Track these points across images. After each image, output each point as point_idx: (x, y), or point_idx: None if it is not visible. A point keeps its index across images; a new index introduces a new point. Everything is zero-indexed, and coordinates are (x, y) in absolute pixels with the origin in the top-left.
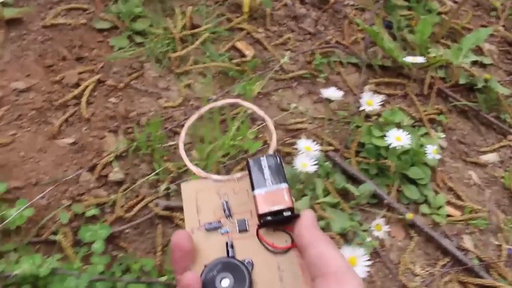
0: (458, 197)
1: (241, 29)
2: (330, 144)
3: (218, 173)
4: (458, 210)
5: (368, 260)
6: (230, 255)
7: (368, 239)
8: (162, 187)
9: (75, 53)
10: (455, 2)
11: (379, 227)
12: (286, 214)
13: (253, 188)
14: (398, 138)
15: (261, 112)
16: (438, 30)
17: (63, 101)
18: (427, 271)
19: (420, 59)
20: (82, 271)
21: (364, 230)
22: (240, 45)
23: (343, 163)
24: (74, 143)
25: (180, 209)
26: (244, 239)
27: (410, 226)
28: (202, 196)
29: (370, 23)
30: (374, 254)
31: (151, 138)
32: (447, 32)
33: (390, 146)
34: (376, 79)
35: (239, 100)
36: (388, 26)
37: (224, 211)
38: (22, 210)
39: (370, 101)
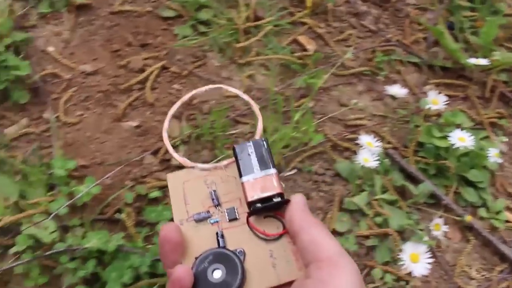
0: None
1: (303, 23)
2: (389, 142)
3: (279, 164)
4: None
5: (430, 257)
6: (221, 245)
7: (425, 238)
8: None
9: (140, 39)
10: None
11: (438, 227)
12: (276, 200)
13: (240, 175)
14: (461, 139)
15: (245, 96)
16: (502, 32)
17: (128, 85)
18: (483, 275)
19: (483, 61)
20: (145, 250)
21: (421, 230)
22: (301, 39)
23: (402, 161)
24: (138, 126)
25: None
26: (235, 227)
27: (468, 228)
28: (189, 186)
29: (432, 23)
30: (430, 254)
31: (214, 125)
32: (510, 35)
33: (453, 147)
34: (437, 79)
35: (222, 85)
36: (450, 27)
37: (213, 200)
38: (91, 188)
39: (436, 100)
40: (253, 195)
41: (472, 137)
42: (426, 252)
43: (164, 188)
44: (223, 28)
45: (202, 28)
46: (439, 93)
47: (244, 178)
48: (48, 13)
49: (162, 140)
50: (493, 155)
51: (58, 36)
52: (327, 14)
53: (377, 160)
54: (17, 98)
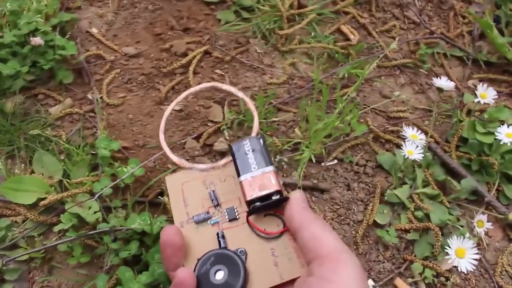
0: None
1: (346, 13)
2: (431, 136)
3: (322, 155)
4: None
5: (477, 254)
6: (222, 246)
7: (467, 234)
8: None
9: (182, 24)
10: None
11: (481, 224)
12: (274, 197)
13: (238, 175)
14: (509, 135)
15: (240, 94)
16: None
17: (171, 69)
18: None
19: None
20: None
21: (462, 226)
22: (345, 28)
23: (444, 156)
24: (180, 111)
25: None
26: (235, 227)
27: (509, 227)
28: (188, 188)
29: (477, 16)
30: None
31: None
32: None
33: (500, 143)
34: (481, 74)
35: (216, 83)
36: (496, 20)
37: (212, 200)
38: (136, 170)
39: (485, 94)
40: (251, 194)
41: None
42: (473, 247)
43: None
44: (267, 14)
45: (245, 14)
46: (488, 87)
47: (242, 177)
48: None
49: (204, 125)
50: None
51: (101, 18)
52: (370, 4)
53: (421, 153)
54: (62, 78)
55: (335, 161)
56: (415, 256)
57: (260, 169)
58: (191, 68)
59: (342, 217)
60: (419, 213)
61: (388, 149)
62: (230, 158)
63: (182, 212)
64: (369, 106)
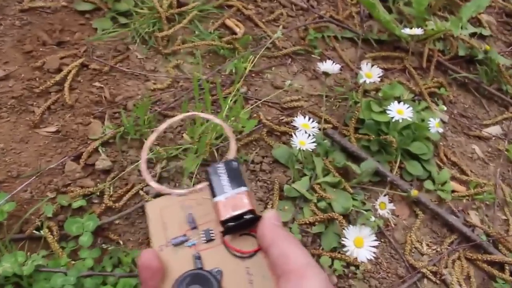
0: (463, 172)
1: (231, 6)
2: (327, 122)
3: (214, 158)
4: (463, 185)
5: (375, 240)
6: (198, 266)
7: (372, 218)
8: (153, 172)
9: (56, 37)
10: None
11: (383, 206)
12: (247, 217)
13: (213, 196)
14: (400, 112)
15: (217, 120)
16: (434, 1)
17: (45, 88)
18: (434, 249)
19: (418, 31)
20: (69, 267)
21: (367, 210)
22: (230, 22)
23: (343, 141)
24: (57, 132)
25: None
26: (211, 248)
27: (415, 203)
28: (167, 213)
29: None
30: (379, 234)
31: (140, 122)
32: (443, 4)
33: (392, 120)
34: (373, 53)
35: (195, 113)
36: None
37: (189, 223)
38: (2, 204)
39: (369, 74)
40: (225, 214)
41: (410, 108)
42: (371, 234)
43: (89, 196)
44: (145, 17)
45: (123, 20)
46: (373, 65)
47: (216, 198)
48: None
49: (84, 144)
50: (434, 125)
51: None
52: None
53: (313, 142)
54: None
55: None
56: (322, 249)
57: (233, 190)
58: (66, 85)
59: None
60: (322, 204)
61: (286, 142)
62: (207, 182)
63: (161, 236)
64: (261, 100)
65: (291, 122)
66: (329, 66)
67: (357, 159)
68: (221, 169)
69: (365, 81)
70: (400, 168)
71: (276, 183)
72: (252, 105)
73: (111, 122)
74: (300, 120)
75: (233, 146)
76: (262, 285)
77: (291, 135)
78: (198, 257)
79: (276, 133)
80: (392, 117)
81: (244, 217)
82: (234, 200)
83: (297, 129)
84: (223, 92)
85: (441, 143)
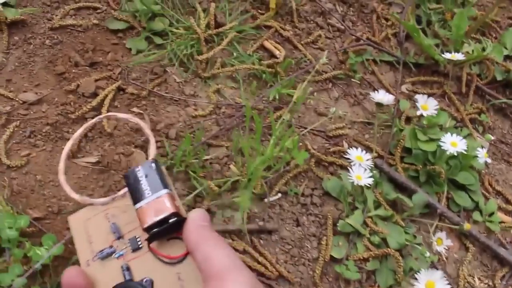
0: (508, 202)
1: (268, 27)
2: (374, 151)
3: (265, 193)
4: (508, 215)
5: (448, 284)
6: (127, 278)
7: (427, 254)
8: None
9: (88, 58)
10: None
11: (440, 242)
12: (171, 220)
13: (134, 203)
14: (453, 144)
15: (134, 119)
16: (472, 24)
17: (81, 114)
18: (487, 283)
19: (459, 56)
20: None
21: (419, 244)
22: (268, 44)
23: (391, 172)
24: (97, 162)
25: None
26: (140, 257)
27: (464, 235)
28: (91, 224)
29: (401, 17)
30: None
31: (185, 153)
32: (480, 27)
33: (447, 153)
34: (412, 77)
35: (112, 113)
36: (416, 20)
37: (114, 233)
38: (53, 250)
39: (425, 106)
40: (147, 221)
41: (464, 140)
42: (442, 277)
43: None
44: (182, 38)
45: (158, 40)
46: (415, 92)
47: (137, 205)
48: None
49: None
50: (483, 155)
51: None
52: (292, 15)
53: (370, 176)
54: None
55: (279, 195)
56: (378, 286)
57: (154, 194)
58: (103, 110)
59: (296, 258)
60: (376, 238)
61: (333, 172)
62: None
63: (87, 250)
64: (306, 128)
65: (338, 151)
66: (382, 96)
67: (405, 190)
68: (139, 173)
69: (421, 113)
70: (447, 198)
71: (329, 218)
72: (297, 133)
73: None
74: (353, 153)
75: (152, 148)
76: None
77: (339, 165)
78: (127, 268)
79: (324, 163)
80: (447, 151)
81: (169, 221)
82: (155, 204)
83: (351, 161)
84: (266, 120)
85: (483, 170)
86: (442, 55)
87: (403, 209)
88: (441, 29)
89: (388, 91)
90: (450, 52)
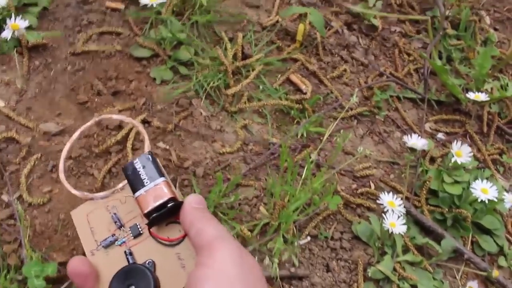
0: None
1: (294, 60)
2: (399, 192)
3: (292, 233)
4: None
5: None
6: (130, 262)
7: None
8: None
9: (111, 86)
10: (496, 30)
11: None
12: (169, 205)
13: (133, 192)
14: (484, 191)
15: (128, 119)
16: (495, 64)
17: (105, 148)
18: None
19: (483, 97)
20: None
21: None
22: (295, 78)
23: (418, 215)
24: None
25: None
26: (141, 242)
27: (490, 281)
28: (93, 217)
29: (419, 52)
30: None
31: (214, 192)
32: (503, 66)
33: (479, 200)
34: (434, 115)
35: (108, 115)
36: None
37: (115, 223)
38: None
39: (459, 152)
40: (147, 207)
41: (495, 187)
42: None
43: None
44: (209, 70)
45: (184, 70)
46: (437, 131)
47: (137, 193)
48: None
49: None
50: (509, 200)
51: (8, 86)
52: (316, 47)
53: (404, 224)
54: None
55: (308, 238)
56: None
57: (152, 182)
58: (128, 145)
59: None
60: (405, 285)
61: (360, 214)
62: (126, 180)
63: (90, 241)
64: (332, 166)
65: (366, 193)
66: (416, 141)
67: (431, 233)
68: (137, 165)
69: (456, 160)
70: (472, 242)
71: (360, 264)
72: (324, 172)
73: (181, 191)
74: (385, 198)
75: (146, 142)
76: (193, 266)
77: (366, 207)
78: (129, 253)
79: (352, 205)
80: (478, 198)
81: (168, 205)
82: (154, 191)
83: (384, 207)
84: (294, 158)
85: (504, 213)
86: (466, 95)
87: (430, 253)
88: (461, 65)
89: (411, 129)
90: (472, 91)
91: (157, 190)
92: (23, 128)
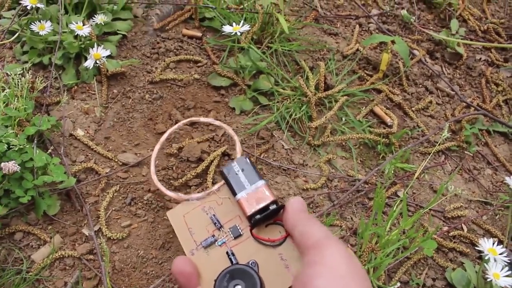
0: None
1: (377, 90)
2: (494, 235)
3: (382, 279)
4: None
5: None
6: (234, 262)
7: None
8: None
9: (189, 116)
10: None
11: None
12: (272, 207)
13: (234, 194)
14: None
15: (217, 122)
16: None
17: (184, 181)
18: None
19: None
20: None
21: None
22: (379, 110)
23: None
24: None
25: None
26: (242, 243)
27: None
28: (190, 218)
29: (508, 82)
30: None
31: None
32: None
33: None
34: None
35: (195, 118)
36: None
37: (215, 224)
38: None
39: None
40: (251, 209)
41: None
42: None
43: None
44: (290, 100)
45: (263, 100)
46: None
47: (239, 195)
48: (74, 84)
49: None
50: None
51: (87, 115)
52: (401, 78)
53: (509, 276)
54: (46, 208)
55: (398, 284)
56: None
57: (252, 185)
58: (209, 178)
59: None
60: None
61: (452, 259)
62: (222, 182)
63: (190, 241)
64: (420, 205)
65: (458, 235)
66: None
67: None
68: (235, 167)
69: None
70: None
71: None
72: (412, 212)
73: None
74: (485, 244)
75: (238, 145)
76: (297, 266)
77: (459, 251)
78: (232, 253)
79: (444, 249)
80: None
81: (270, 208)
82: (255, 194)
83: (485, 255)
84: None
85: None
86: None
87: None
88: None
89: (504, 166)
90: None
91: (258, 193)
92: (102, 158)
